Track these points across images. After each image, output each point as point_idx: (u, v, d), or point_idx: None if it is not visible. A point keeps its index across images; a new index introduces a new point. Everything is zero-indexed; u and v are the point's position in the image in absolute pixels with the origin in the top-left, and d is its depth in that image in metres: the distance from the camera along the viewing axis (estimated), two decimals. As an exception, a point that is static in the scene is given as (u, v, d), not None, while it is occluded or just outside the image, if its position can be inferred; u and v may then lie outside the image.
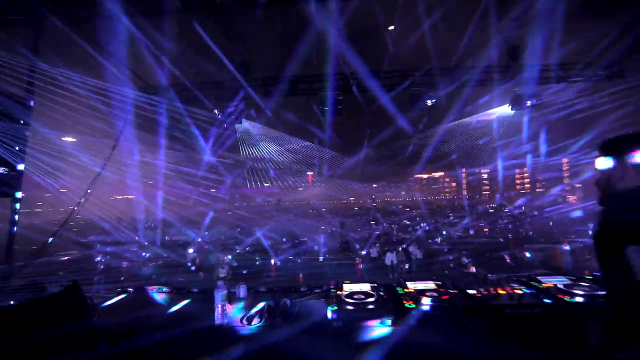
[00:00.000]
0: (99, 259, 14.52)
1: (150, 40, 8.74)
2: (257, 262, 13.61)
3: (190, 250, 15.23)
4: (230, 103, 10.66)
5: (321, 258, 14.17)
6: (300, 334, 2.38)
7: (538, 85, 10.29)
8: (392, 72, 10.15)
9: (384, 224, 23.66)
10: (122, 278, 11.62)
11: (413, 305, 2.54)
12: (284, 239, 17.61)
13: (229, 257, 13.37)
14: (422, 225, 22.24)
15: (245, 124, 14.41)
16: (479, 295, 2.69)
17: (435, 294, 2.70)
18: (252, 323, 2.54)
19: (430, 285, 2.89)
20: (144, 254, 15.29)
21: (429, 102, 10.72)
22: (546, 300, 2.55)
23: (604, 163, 1.43)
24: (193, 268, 12.75)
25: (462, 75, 9.75)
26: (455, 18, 10.10)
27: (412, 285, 2.91)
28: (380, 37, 11.15)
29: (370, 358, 2.05)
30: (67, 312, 2.18)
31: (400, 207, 37.01)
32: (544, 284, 2.86)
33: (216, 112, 10.89)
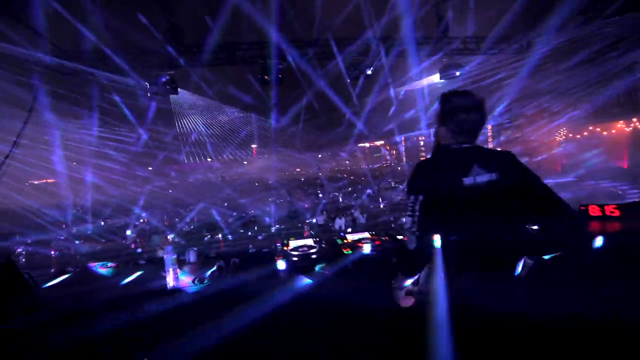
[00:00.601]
0: (19, 250, 12.99)
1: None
2: (205, 238, 13.35)
3: (129, 232, 14.36)
4: (161, 72, 9.91)
5: (273, 229, 14.34)
6: (250, 286, 2.61)
7: (464, 57, 11.20)
8: (328, 40, 10.22)
9: (330, 193, 24.45)
10: (52, 270, 10.64)
11: (350, 252, 2.91)
12: (234, 213, 17.38)
13: (172, 235, 12.91)
14: (366, 191, 23.42)
15: (180, 95, 13.50)
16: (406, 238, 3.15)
17: (369, 241, 3.10)
18: (204, 282, 2.69)
19: (366, 234, 3.29)
20: (75, 241, 14.04)
21: (368, 72, 11.09)
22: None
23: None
24: (139, 250, 12.07)
25: (395, 45, 10.20)
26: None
27: (350, 237, 3.28)
28: (317, 5, 11.00)
29: (316, 298, 2.37)
30: (3, 286, 2.09)
31: (345, 175, 38.26)
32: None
33: (145, 82, 10.06)
